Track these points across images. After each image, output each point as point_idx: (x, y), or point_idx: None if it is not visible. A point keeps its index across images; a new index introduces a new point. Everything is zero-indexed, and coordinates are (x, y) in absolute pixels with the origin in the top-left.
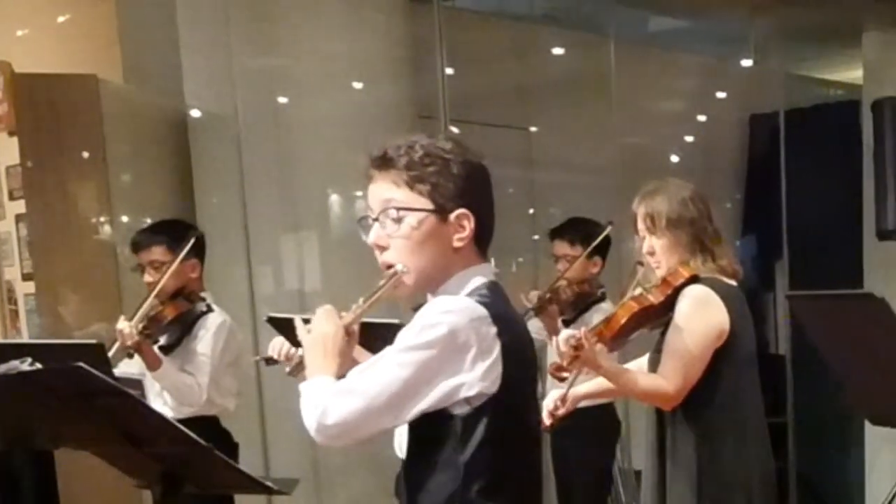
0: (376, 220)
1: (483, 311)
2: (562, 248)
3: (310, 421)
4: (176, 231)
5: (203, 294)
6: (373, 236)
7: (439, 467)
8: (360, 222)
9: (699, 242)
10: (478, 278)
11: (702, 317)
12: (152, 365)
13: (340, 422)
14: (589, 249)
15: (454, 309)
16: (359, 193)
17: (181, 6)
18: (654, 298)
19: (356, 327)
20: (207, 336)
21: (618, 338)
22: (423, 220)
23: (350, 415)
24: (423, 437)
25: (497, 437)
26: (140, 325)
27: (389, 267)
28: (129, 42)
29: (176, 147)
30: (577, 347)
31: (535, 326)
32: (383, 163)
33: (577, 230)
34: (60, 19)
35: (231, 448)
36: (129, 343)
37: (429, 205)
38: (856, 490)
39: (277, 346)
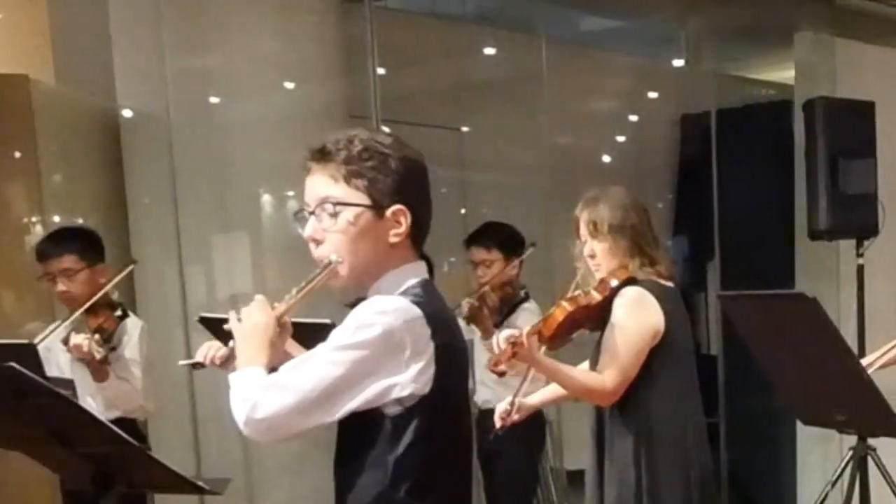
0: (312, 213)
1: (418, 311)
2: (479, 253)
3: (239, 414)
4: (86, 238)
5: (116, 298)
6: (309, 230)
7: (368, 466)
8: (295, 215)
9: (638, 247)
10: (411, 278)
11: (637, 316)
12: (102, 376)
13: (270, 417)
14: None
15: (389, 309)
16: (291, 193)
17: (113, 6)
18: (591, 299)
19: (288, 319)
20: (133, 341)
21: (556, 337)
22: (359, 215)
23: (280, 410)
24: (354, 435)
25: (427, 437)
26: (97, 339)
27: None
28: (61, 42)
29: (108, 147)
30: (516, 345)
31: (462, 325)
32: (322, 156)
33: (493, 235)
34: None
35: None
36: (98, 358)
37: (366, 200)
38: (787, 490)
39: (205, 350)
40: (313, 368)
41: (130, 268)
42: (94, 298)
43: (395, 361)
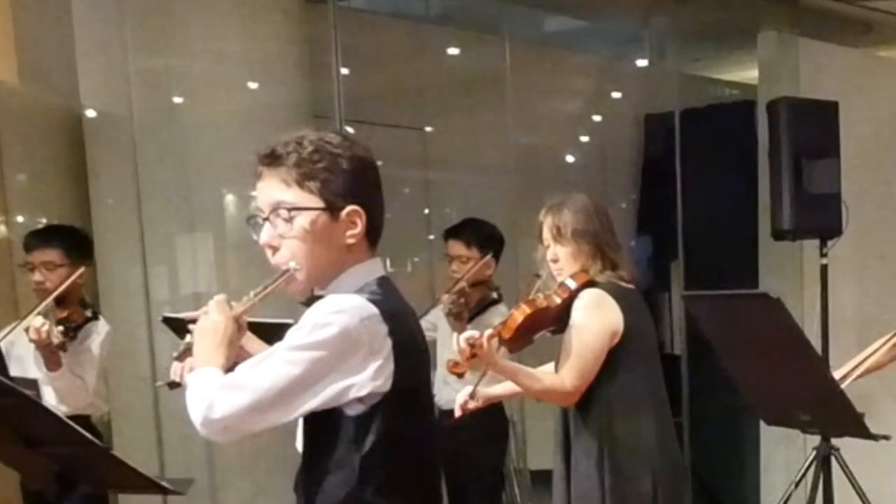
0: (266, 219)
1: (374, 309)
2: (457, 248)
3: (195, 414)
4: (72, 237)
5: (87, 299)
6: (264, 236)
7: (335, 467)
8: (248, 221)
9: (600, 252)
10: (368, 275)
11: (595, 317)
12: (55, 366)
13: (226, 416)
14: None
15: (345, 308)
16: (254, 194)
17: (77, 7)
18: (551, 301)
19: (245, 319)
20: (97, 342)
21: (515, 339)
22: (314, 219)
23: (236, 410)
24: (319, 436)
25: (392, 435)
26: (60, 329)
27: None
28: (25, 43)
29: (71, 147)
30: (474, 346)
31: (424, 323)
32: (272, 160)
33: (474, 232)
34: None
35: None
36: (55, 342)
37: (319, 203)
38: (751, 490)
39: (178, 369)
40: (270, 368)
41: (81, 270)
42: (63, 287)
43: (353, 360)
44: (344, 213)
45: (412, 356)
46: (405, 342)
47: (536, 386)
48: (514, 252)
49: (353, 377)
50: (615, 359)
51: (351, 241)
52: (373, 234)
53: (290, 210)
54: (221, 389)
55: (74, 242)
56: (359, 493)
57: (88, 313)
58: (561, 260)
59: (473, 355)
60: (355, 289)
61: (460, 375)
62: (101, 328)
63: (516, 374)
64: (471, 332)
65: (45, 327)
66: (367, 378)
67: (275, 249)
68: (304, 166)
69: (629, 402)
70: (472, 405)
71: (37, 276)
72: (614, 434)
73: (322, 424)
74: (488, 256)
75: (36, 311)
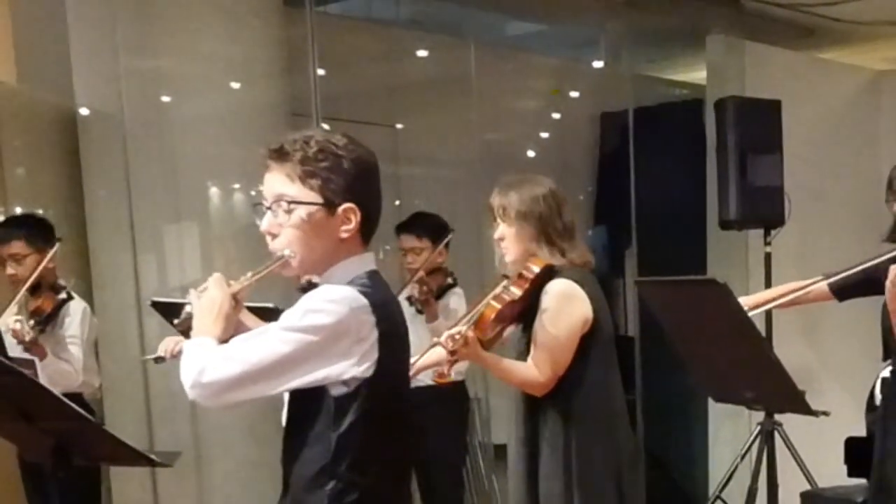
0: (269, 208)
1: (364, 300)
2: (409, 241)
3: (187, 378)
4: (33, 225)
5: (61, 282)
6: (265, 224)
7: (312, 441)
8: (255, 208)
9: (545, 236)
10: (359, 267)
11: (566, 309)
12: (41, 355)
13: (214, 382)
14: (441, 244)
15: (337, 298)
16: (237, 186)
17: (71, 12)
18: (513, 295)
19: (243, 296)
20: (75, 322)
21: (488, 334)
22: (312, 213)
23: (225, 378)
24: (301, 412)
25: (369, 417)
26: (31, 322)
27: None
28: (23, 45)
29: (66, 143)
30: (457, 342)
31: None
32: (280, 156)
33: (423, 224)
34: None
35: None
36: (27, 340)
37: (318, 199)
38: (700, 463)
39: (165, 345)
40: (262, 344)
41: (55, 248)
42: (30, 281)
43: (340, 346)
44: (340, 209)
45: (395, 345)
46: (389, 332)
47: (513, 377)
48: (479, 241)
49: (339, 362)
50: (585, 347)
51: (345, 235)
52: (367, 230)
53: (290, 203)
54: (214, 357)
55: (35, 231)
56: (333, 467)
57: (63, 295)
58: (506, 239)
59: (458, 353)
60: (348, 279)
61: (443, 378)
62: (75, 308)
63: (497, 366)
64: (454, 331)
65: (19, 326)
66: (352, 363)
67: (274, 236)
68: (308, 164)
69: (597, 385)
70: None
71: (8, 270)
72: (578, 412)
73: (306, 401)
74: (442, 245)
75: (14, 304)
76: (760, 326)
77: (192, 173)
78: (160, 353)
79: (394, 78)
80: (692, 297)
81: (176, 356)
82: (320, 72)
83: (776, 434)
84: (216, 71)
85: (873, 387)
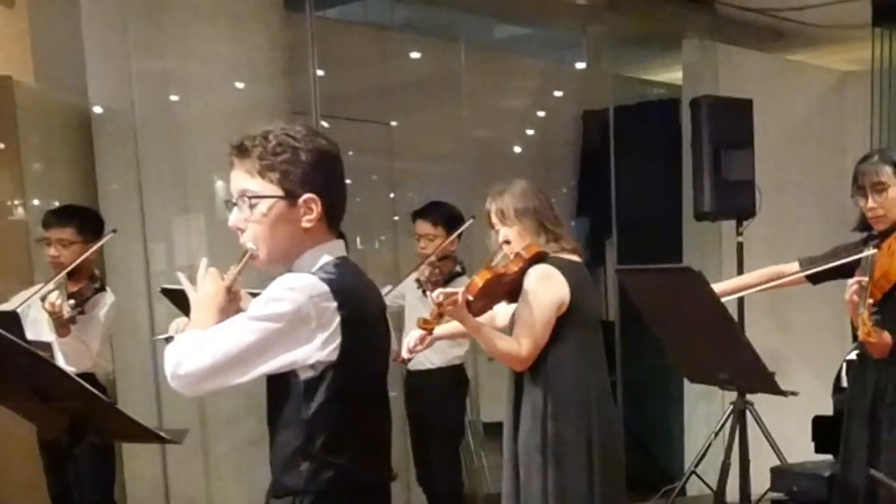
0: (235, 204)
1: (324, 287)
2: (424, 227)
3: (167, 370)
4: (87, 217)
5: (97, 272)
6: (232, 219)
7: (287, 424)
8: (226, 205)
9: (542, 226)
10: (326, 256)
11: (545, 290)
12: (65, 333)
13: (189, 374)
14: (454, 235)
15: (297, 286)
16: None
17: (85, 16)
18: (507, 269)
19: (239, 288)
20: (102, 312)
21: (478, 301)
22: (272, 205)
23: (198, 369)
24: (275, 395)
25: (338, 398)
26: (71, 303)
27: None
28: (40, 47)
29: (81, 139)
30: (448, 300)
31: (395, 293)
32: (240, 152)
33: (439, 212)
34: None
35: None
36: (65, 316)
37: (278, 191)
38: (676, 440)
39: (176, 325)
40: (230, 334)
41: (111, 235)
42: (75, 263)
43: (302, 332)
44: (301, 200)
45: (363, 328)
46: (354, 316)
47: (495, 347)
48: (469, 231)
49: (303, 347)
50: (561, 326)
51: (307, 224)
52: (332, 218)
53: (251, 198)
54: (189, 350)
55: (87, 222)
56: (307, 448)
57: (97, 285)
58: (511, 241)
59: (443, 312)
60: (315, 267)
61: (429, 332)
62: (107, 299)
63: (478, 331)
64: (445, 290)
65: (59, 301)
66: (315, 348)
67: (241, 231)
68: (267, 159)
69: (574, 366)
70: (419, 348)
71: (52, 251)
72: (557, 390)
73: (278, 386)
74: (456, 234)
75: (52, 283)
76: (733, 312)
77: (198, 168)
78: (171, 332)
79: (388, 78)
80: (669, 284)
81: None
82: (319, 72)
83: (748, 413)
84: (221, 72)
85: (839, 369)
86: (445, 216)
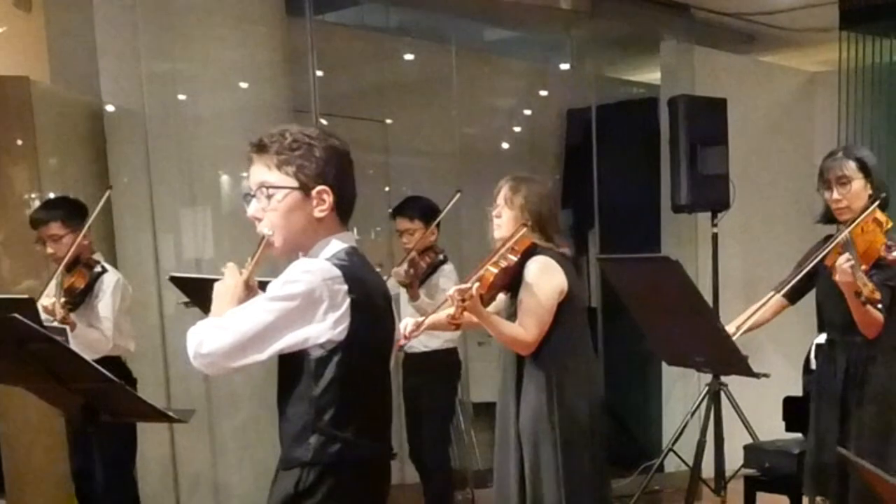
0: (253, 196)
1: (336, 271)
2: (403, 223)
3: (190, 350)
4: (69, 207)
5: (95, 256)
6: (251, 210)
7: (297, 399)
8: (244, 198)
9: (540, 227)
10: (338, 244)
11: (547, 279)
12: (70, 329)
13: (211, 352)
14: (433, 224)
15: (311, 269)
16: (245, 174)
17: (99, 19)
18: (510, 261)
19: (254, 280)
20: (108, 294)
21: (486, 294)
22: (288, 195)
23: (220, 347)
24: (287, 373)
25: (345, 376)
26: (62, 301)
27: None
28: (56, 49)
29: (94, 136)
30: (465, 296)
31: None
32: (259, 148)
33: (415, 207)
34: None
35: (132, 384)
36: (58, 318)
37: (294, 183)
38: (655, 419)
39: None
40: (249, 314)
41: (107, 194)
42: (66, 259)
43: (315, 312)
44: (314, 192)
45: (370, 312)
46: (362, 301)
47: (505, 335)
48: (459, 223)
49: (315, 326)
50: (562, 313)
51: (320, 214)
52: (342, 211)
53: (269, 188)
54: (210, 330)
55: (70, 211)
56: (316, 422)
57: (98, 269)
58: (503, 217)
59: (465, 305)
60: (328, 255)
61: (457, 326)
62: (108, 281)
63: (491, 323)
64: (462, 286)
65: (51, 304)
66: (327, 328)
67: (259, 220)
68: (284, 153)
69: (574, 347)
70: (414, 333)
71: (48, 249)
72: (561, 372)
73: (290, 364)
74: (434, 227)
75: (51, 282)
76: (708, 299)
77: (205, 163)
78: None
79: (384, 78)
80: (648, 272)
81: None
82: (319, 73)
83: (722, 394)
84: (226, 72)
85: (809, 352)
86: (421, 209)
